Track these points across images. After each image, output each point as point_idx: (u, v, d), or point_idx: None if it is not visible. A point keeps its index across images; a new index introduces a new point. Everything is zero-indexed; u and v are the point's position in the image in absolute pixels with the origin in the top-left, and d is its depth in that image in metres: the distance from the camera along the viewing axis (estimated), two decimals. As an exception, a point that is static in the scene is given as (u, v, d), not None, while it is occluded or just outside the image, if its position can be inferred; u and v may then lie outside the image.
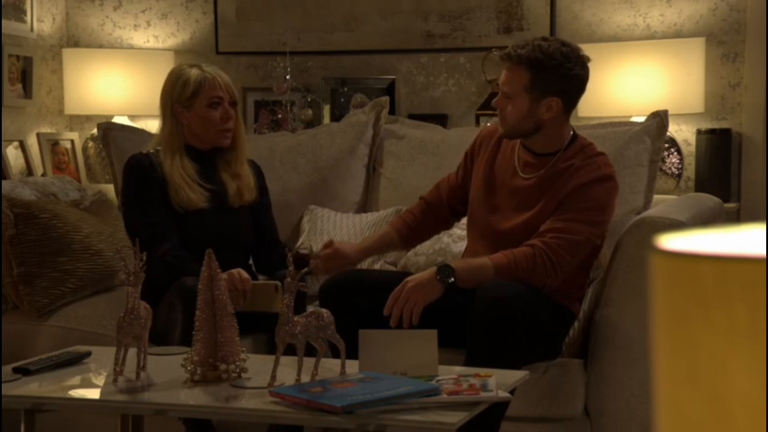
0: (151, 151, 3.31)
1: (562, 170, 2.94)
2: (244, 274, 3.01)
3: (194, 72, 3.28)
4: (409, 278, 2.82)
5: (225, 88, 3.28)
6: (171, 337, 2.94)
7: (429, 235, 3.27)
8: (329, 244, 3.08)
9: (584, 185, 2.89)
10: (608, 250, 3.14)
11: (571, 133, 3.01)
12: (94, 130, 4.80)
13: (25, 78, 4.80)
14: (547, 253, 2.81)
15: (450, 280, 2.79)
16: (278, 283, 2.92)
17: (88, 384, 2.61)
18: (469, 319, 2.76)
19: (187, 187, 3.22)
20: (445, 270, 2.80)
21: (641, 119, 3.74)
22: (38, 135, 4.86)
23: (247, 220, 3.36)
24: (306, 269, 2.60)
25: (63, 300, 3.52)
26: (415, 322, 2.76)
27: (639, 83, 4.23)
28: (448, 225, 3.29)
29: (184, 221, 3.22)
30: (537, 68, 2.89)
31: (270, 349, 2.92)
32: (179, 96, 3.25)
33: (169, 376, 2.55)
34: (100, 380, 2.59)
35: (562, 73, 2.91)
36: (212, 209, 3.27)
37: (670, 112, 3.68)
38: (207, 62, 4.79)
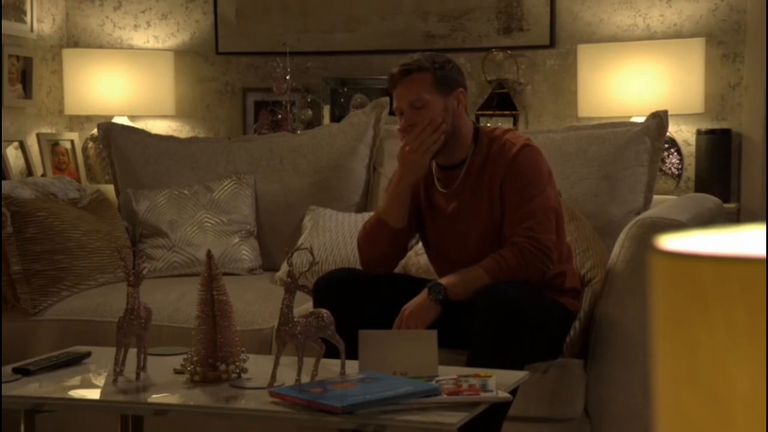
0: None
1: (483, 164, 2.97)
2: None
3: None
4: (405, 306, 2.84)
5: None
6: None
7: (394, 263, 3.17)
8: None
9: (509, 167, 2.92)
10: (608, 250, 3.14)
11: (473, 126, 3.04)
12: (94, 131, 4.80)
13: (25, 78, 4.80)
14: (530, 243, 2.84)
15: (440, 298, 2.82)
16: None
17: (88, 384, 2.61)
18: (469, 320, 2.76)
19: None
20: (435, 288, 2.84)
21: (641, 119, 3.74)
22: (38, 135, 4.86)
23: None
24: (306, 269, 2.60)
25: (59, 297, 3.52)
26: None
27: (639, 83, 4.23)
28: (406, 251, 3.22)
29: None
30: (434, 67, 2.95)
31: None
32: None
33: (169, 376, 2.55)
34: (100, 380, 2.58)
35: (452, 66, 2.99)
36: None
37: (670, 113, 3.68)
38: (207, 62, 4.79)
